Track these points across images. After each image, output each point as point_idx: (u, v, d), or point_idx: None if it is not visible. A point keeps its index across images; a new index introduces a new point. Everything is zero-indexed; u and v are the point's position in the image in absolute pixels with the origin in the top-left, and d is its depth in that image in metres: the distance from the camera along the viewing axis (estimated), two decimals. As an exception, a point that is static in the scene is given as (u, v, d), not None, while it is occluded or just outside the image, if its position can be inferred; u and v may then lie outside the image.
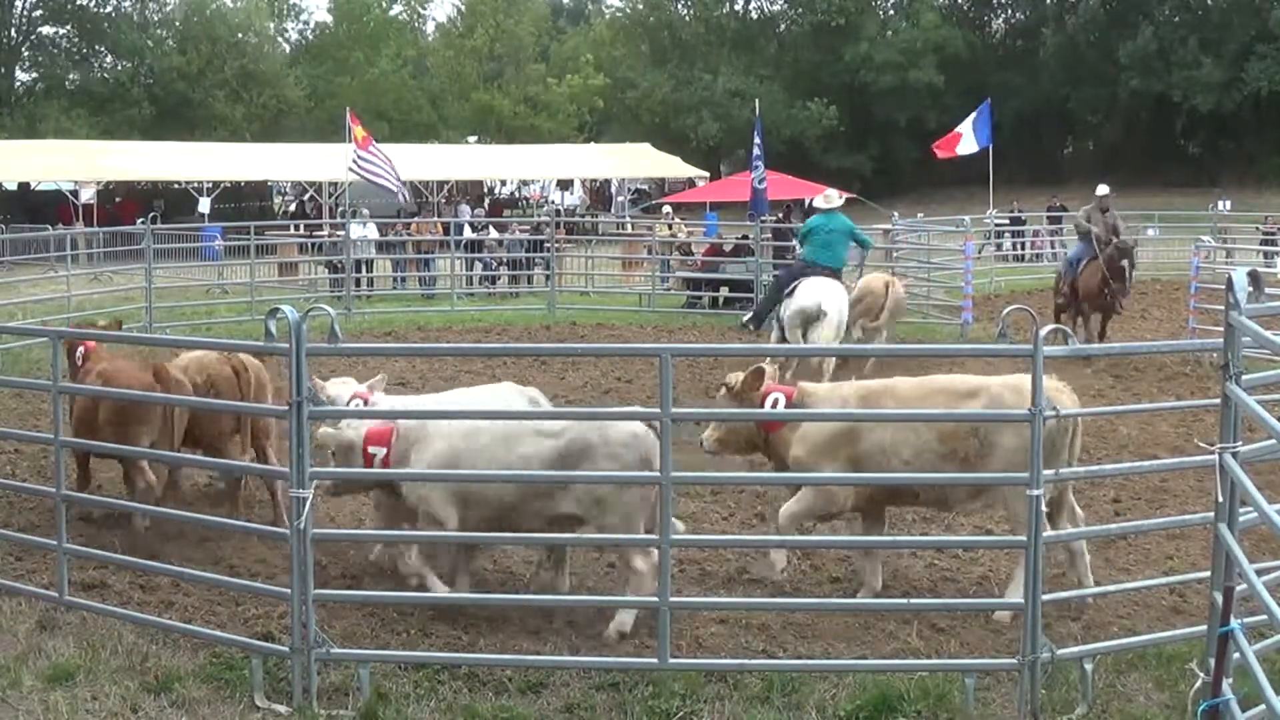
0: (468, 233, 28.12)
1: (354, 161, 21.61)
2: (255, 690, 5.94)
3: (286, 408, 5.92)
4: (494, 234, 26.87)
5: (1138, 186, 41.00)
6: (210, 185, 38.92)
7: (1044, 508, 5.77)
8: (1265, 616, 4.69)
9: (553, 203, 47.38)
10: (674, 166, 48.92)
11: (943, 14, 60.31)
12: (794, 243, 17.08)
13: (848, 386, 7.30)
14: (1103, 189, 16.99)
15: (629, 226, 34.76)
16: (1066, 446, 6.77)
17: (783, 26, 64.09)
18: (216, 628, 6.62)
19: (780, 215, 25.51)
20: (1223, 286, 5.28)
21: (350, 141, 21.89)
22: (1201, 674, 5.22)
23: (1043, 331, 5.57)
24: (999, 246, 30.12)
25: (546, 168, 49.89)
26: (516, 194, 54.81)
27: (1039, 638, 5.71)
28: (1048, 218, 31.65)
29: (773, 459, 7.45)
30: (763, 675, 6.07)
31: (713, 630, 6.75)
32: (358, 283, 22.00)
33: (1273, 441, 4.75)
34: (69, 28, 55.92)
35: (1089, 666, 5.85)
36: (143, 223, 23.86)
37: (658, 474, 6.05)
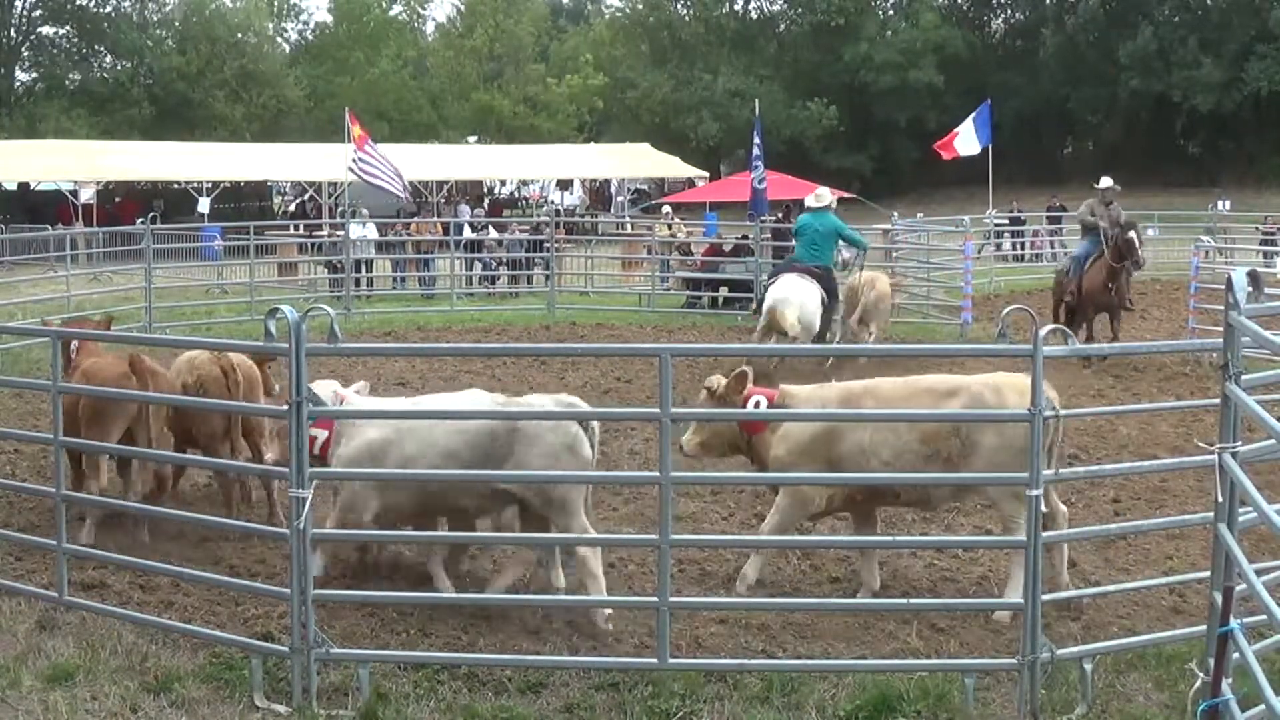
0: (467, 233, 28.11)
1: (353, 162, 21.62)
2: (255, 690, 5.94)
3: (285, 408, 5.92)
4: (493, 234, 26.88)
5: (1138, 186, 40.91)
6: (210, 185, 38.93)
7: (1044, 508, 5.77)
8: (1265, 616, 4.69)
9: (552, 203, 47.37)
10: (674, 166, 48.93)
11: (942, 14, 60.33)
12: (792, 242, 17.18)
13: (829, 388, 7.33)
14: (1106, 181, 16.57)
15: (629, 226, 34.74)
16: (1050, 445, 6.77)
17: (782, 26, 64.11)
18: (216, 628, 6.61)
19: (780, 215, 25.51)
20: (1222, 286, 5.28)
21: (350, 141, 21.90)
22: (1201, 674, 5.22)
23: (1042, 331, 5.58)
24: (999, 246, 30.11)
25: (546, 168, 49.90)
26: (516, 194, 54.83)
27: (1039, 638, 5.71)
28: (1047, 218, 31.66)
29: (755, 461, 7.49)
30: (762, 675, 6.07)
31: (712, 630, 6.75)
32: (357, 283, 21.99)
33: (1272, 441, 4.75)
34: (69, 28, 55.93)
35: (1089, 666, 5.85)
36: (142, 223, 23.85)
37: (657, 474, 6.05)
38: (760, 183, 22.32)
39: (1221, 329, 5.28)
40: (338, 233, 23.47)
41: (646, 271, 23.67)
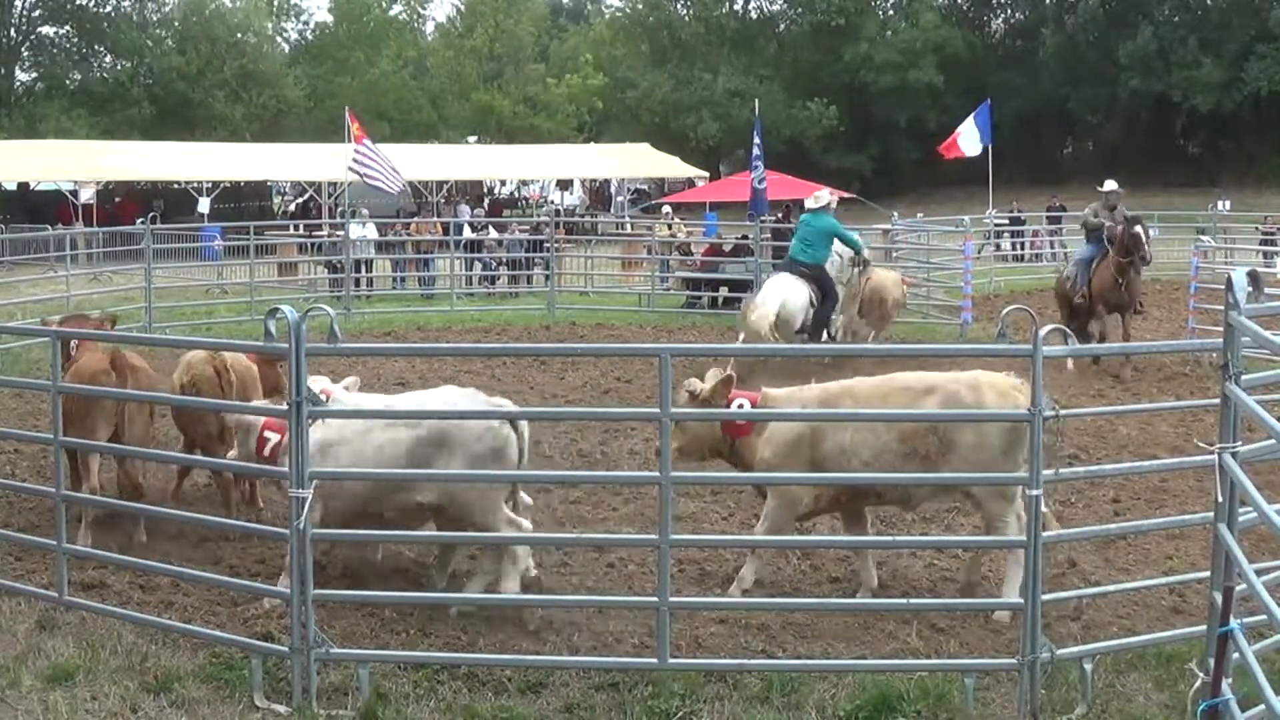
0: (467, 233, 28.12)
1: (353, 159, 21.61)
2: (255, 690, 5.94)
3: (286, 407, 5.93)
4: (493, 234, 26.87)
5: (1138, 186, 40.87)
6: (210, 185, 38.91)
7: (1044, 507, 5.77)
8: (1265, 616, 4.69)
9: (552, 203, 47.37)
10: (673, 166, 48.92)
11: (942, 14, 60.33)
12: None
13: (808, 390, 7.33)
14: (1110, 184, 16.36)
15: (629, 226, 34.74)
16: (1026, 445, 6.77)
17: (782, 26, 64.10)
18: (216, 628, 6.61)
19: (780, 215, 25.53)
20: (1222, 286, 5.28)
21: (350, 141, 21.91)
22: (1201, 674, 5.22)
23: (1042, 332, 5.58)
24: (998, 246, 30.12)
25: (546, 168, 49.89)
26: (516, 194, 54.83)
27: (1039, 638, 5.71)
28: (1047, 218, 31.66)
29: (739, 465, 7.48)
30: (762, 675, 6.07)
31: (712, 630, 6.75)
32: (357, 283, 22.00)
33: (1272, 441, 4.75)
34: (69, 28, 55.90)
35: (1088, 666, 5.85)
36: (142, 223, 23.86)
37: (657, 474, 6.05)
38: (760, 183, 22.31)
39: (1221, 329, 5.29)
40: (338, 233, 23.48)
41: (646, 271, 23.67)
